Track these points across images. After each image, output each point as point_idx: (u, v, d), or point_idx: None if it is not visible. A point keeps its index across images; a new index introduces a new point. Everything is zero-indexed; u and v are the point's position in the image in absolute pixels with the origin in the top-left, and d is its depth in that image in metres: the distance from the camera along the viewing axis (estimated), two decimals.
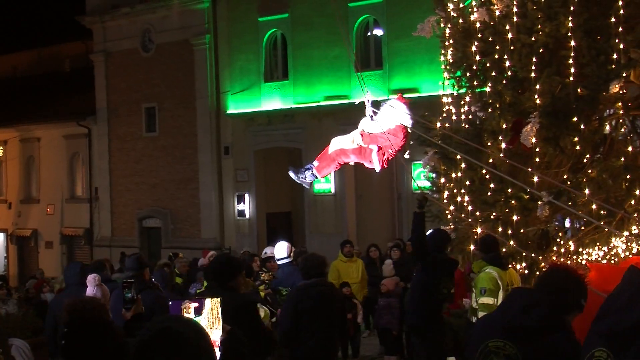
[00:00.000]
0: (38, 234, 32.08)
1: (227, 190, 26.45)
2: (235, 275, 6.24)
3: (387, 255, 15.22)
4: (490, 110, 9.03)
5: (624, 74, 8.12)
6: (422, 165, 10.24)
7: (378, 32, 23.11)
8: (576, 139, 8.40)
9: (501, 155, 8.49)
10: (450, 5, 9.68)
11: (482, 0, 9.13)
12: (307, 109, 23.96)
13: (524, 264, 8.76)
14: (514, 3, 8.63)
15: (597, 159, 8.59)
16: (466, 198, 9.05)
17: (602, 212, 8.19)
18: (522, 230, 8.65)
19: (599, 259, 8.85)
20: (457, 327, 9.35)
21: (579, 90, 8.30)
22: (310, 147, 23.05)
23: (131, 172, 28.70)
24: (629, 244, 8.79)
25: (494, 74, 8.95)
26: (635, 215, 8.53)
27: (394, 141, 8.39)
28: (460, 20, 9.57)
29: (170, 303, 5.24)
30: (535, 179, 8.14)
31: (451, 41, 9.67)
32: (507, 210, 8.64)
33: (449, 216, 9.50)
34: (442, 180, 9.80)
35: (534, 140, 8.19)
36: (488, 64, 9.05)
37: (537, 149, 8.39)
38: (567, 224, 8.71)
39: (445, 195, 9.58)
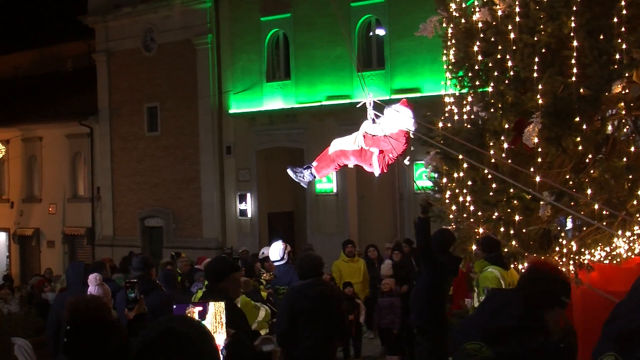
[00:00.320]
0: (40, 233, 32.11)
1: (229, 190, 26.46)
2: (224, 277, 6.15)
3: (385, 255, 15.23)
4: (492, 110, 9.02)
5: (627, 74, 8.10)
6: (424, 165, 10.23)
7: (380, 32, 23.10)
8: (578, 139, 8.39)
9: (503, 155, 8.48)
10: (453, 5, 9.66)
11: (484, 0, 9.12)
12: (309, 108, 23.97)
13: (525, 264, 8.75)
14: (516, 3, 8.62)
15: (599, 159, 8.57)
16: (468, 198, 9.03)
17: (604, 212, 8.18)
18: (523, 230, 8.64)
19: (601, 259, 8.85)
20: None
21: (581, 90, 8.29)
22: (312, 147, 23.05)
23: (133, 172, 28.72)
24: (631, 244, 8.79)
25: (496, 74, 8.93)
26: (638, 215, 8.53)
27: (395, 145, 8.36)
28: (463, 20, 9.55)
29: (174, 307, 5.25)
30: (537, 179, 8.13)
31: (453, 41, 9.65)
32: (509, 210, 8.63)
33: (451, 216, 9.50)
34: (444, 180, 9.79)
35: (536, 140, 8.17)
36: (490, 64, 9.03)
37: (539, 149, 8.37)
38: (569, 224, 8.70)
39: (447, 195, 9.57)
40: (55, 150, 31.36)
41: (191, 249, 22.64)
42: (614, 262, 8.78)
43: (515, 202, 8.57)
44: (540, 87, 8.39)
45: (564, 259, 8.64)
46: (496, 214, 8.78)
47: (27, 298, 15.85)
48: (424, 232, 8.90)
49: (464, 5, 9.65)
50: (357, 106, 8.83)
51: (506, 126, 8.60)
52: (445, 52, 9.87)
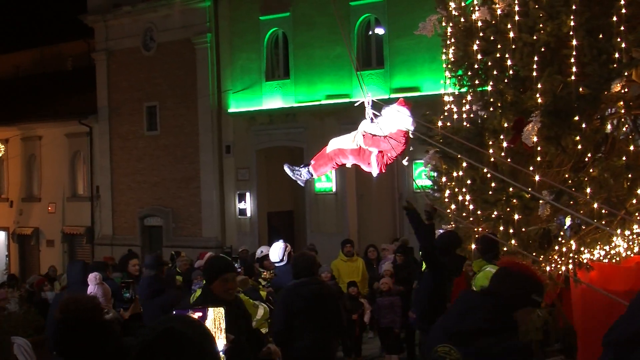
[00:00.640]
0: (39, 232, 32.11)
1: (229, 189, 26.45)
2: (214, 277, 6.11)
3: (384, 256, 15.21)
4: (491, 109, 9.02)
5: (626, 73, 8.11)
6: (423, 164, 10.23)
7: (379, 31, 23.09)
8: (577, 138, 8.39)
9: (502, 154, 8.49)
10: (452, 4, 9.67)
11: None
12: (308, 108, 23.97)
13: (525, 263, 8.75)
14: (516, 2, 8.62)
15: (598, 158, 8.58)
16: (467, 197, 9.04)
17: (603, 211, 8.19)
18: (523, 229, 8.65)
19: (601, 258, 8.85)
20: None
21: (580, 89, 8.29)
22: (311, 146, 23.03)
23: (132, 171, 28.72)
24: (630, 243, 8.80)
25: (495, 72, 8.94)
26: (637, 214, 8.53)
27: (394, 145, 8.32)
28: (462, 19, 9.55)
29: (174, 312, 5.26)
30: (537, 178, 8.14)
31: (452, 40, 9.65)
32: (508, 209, 8.64)
33: (450, 215, 9.50)
34: (443, 179, 9.79)
35: (535, 139, 8.18)
36: (489, 63, 9.04)
37: (539, 148, 8.38)
38: (568, 222, 8.70)
39: (446, 194, 9.58)
40: (55, 150, 31.35)
41: (191, 248, 22.61)
42: (613, 261, 8.79)
43: (514, 201, 8.57)
44: (539, 86, 8.40)
45: (563, 258, 8.65)
46: (495, 213, 8.79)
47: (26, 297, 15.85)
48: (429, 236, 8.91)
49: (463, 4, 9.65)
50: (355, 104, 8.81)
51: (505, 125, 8.60)
52: (444, 51, 9.87)
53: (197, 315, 4.90)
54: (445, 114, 9.97)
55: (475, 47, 9.10)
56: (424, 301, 9.11)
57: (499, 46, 8.87)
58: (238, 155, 26.23)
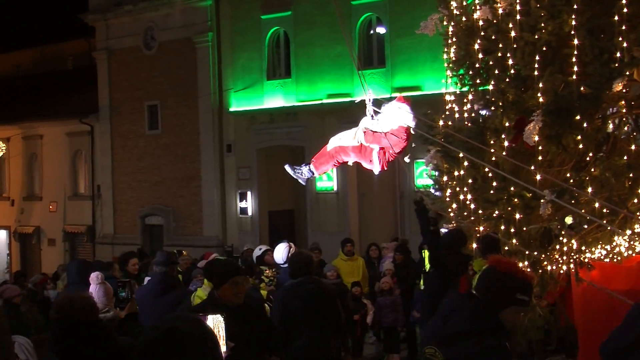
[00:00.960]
0: (41, 231, 32.11)
1: (230, 188, 26.46)
2: (223, 281, 6.04)
3: (384, 255, 15.21)
4: (493, 108, 9.01)
5: (627, 73, 8.10)
6: (425, 163, 10.21)
7: (381, 30, 23.09)
8: (579, 137, 8.38)
9: (504, 153, 8.48)
10: (453, 3, 9.65)
11: None
12: (309, 107, 23.97)
13: (526, 262, 8.75)
14: (517, 1, 8.61)
15: (600, 158, 8.57)
16: (469, 196, 9.03)
17: (604, 210, 8.18)
18: (524, 229, 8.64)
19: (602, 257, 8.85)
20: None
21: (582, 88, 8.28)
22: (312, 145, 23.00)
23: (133, 170, 28.73)
24: (631, 242, 8.79)
25: (496, 72, 8.93)
26: (638, 213, 8.52)
27: (396, 142, 8.30)
28: (464, 18, 9.54)
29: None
30: (538, 177, 8.13)
31: (454, 39, 9.64)
32: (509, 208, 8.63)
33: (452, 214, 9.49)
34: (445, 178, 9.78)
35: (536, 138, 8.17)
36: (491, 62, 9.03)
37: (540, 147, 8.37)
38: (570, 221, 8.69)
39: (447, 194, 9.57)
40: (56, 148, 31.36)
41: (192, 247, 22.61)
42: (615, 260, 8.78)
43: (515, 200, 8.57)
44: (540, 85, 8.39)
45: (564, 257, 8.64)
46: (497, 212, 8.78)
47: (28, 296, 15.83)
48: (435, 241, 8.92)
49: (464, 3, 9.63)
50: (356, 102, 8.80)
51: (507, 124, 8.59)
52: (446, 50, 9.86)
53: None
54: (447, 113, 9.95)
55: (476, 46, 9.09)
56: (429, 301, 9.09)
57: (500, 45, 8.86)
58: (239, 154, 26.23)
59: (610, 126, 8.71)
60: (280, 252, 10.10)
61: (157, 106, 27.98)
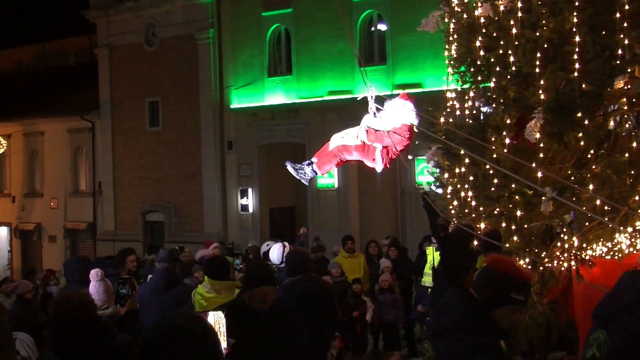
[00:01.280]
0: (42, 228, 32.12)
1: (231, 185, 26.46)
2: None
3: (384, 252, 15.21)
4: (494, 105, 9.02)
5: (629, 70, 8.11)
6: (426, 161, 10.21)
7: (382, 27, 23.06)
8: (580, 134, 8.39)
9: (505, 150, 8.48)
10: (455, 0, 9.66)
11: None
12: (310, 103, 23.95)
13: (527, 260, 8.75)
14: None
15: (601, 155, 8.57)
16: (470, 193, 9.04)
17: (606, 207, 8.18)
18: (525, 226, 8.64)
19: (603, 254, 8.85)
20: None
21: (583, 85, 8.29)
22: (313, 142, 23.02)
23: (135, 167, 28.73)
24: (633, 239, 8.79)
25: (498, 69, 8.93)
26: None
27: (399, 139, 8.22)
28: (465, 15, 9.55)
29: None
30: (539, 174, 8.13)
31: (455, 36, 9.65)
32: (510, 205, 8.63)
33: (453, 211, 9.50)
34: (446, 175, 9.79)
35: (538, 135, 8.18)
36: (492, 59, 9.03)
37: (541, 145, 8.38)
38: (571, 218, 8.69)
39: (448, 191, 9.57)
40: (57, 145, 31.36)
41: (193, 243, 22.60)
42: (616, 257, 8.78)
43: (517, 197, 8.57)
44: (542, 82, 8.39)
45: (565, 255, 8.64)
46: (498, 209, 8.79)
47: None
48: (447, 248, 8.94)
49: (465, 1, 9.64)
50: (358, 99, 8.72)
51: (508, 121, 8.60)
52: (447, 47, 9.86)
53: None
54: (448, 110, 9.96)
55: (477, 44, 9.09)
56: (437, 298, 9.09)
57: (501, 42, 8.86)
58: (240, 151, 26.22)
59: (612, 123, 8.71)
60: (275, 253, 10.08)
61: (158, 103, 27.97)
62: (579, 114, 8.31)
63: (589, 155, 8.57)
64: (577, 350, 9.27)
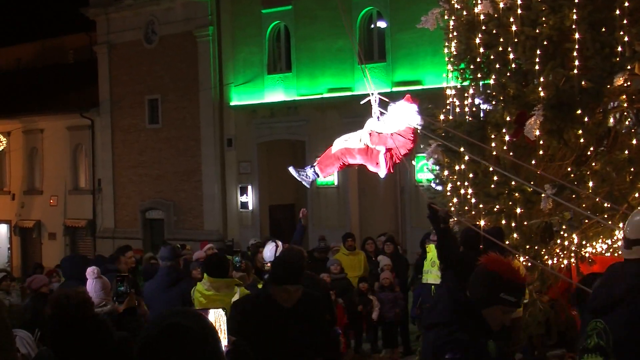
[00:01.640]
0: (41, 225, 32.12)
1: (230, 182, 26.46)
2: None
3: (380, 248, 15.20)
4: (494, 102, 9.01)
5: (629, 67, 8.10)
6: (426, 158, 10.19)
7: (382, 24, 23.06)
8: (580, 131, 8.38)
9: (505, 148, 8.47)
10: None
11: None
12: (310, 101, 23.95)
13: (527, 257, 8.75)
14: None
15: (601, 152, 8.57)
16: (470, 190, 9.02)
17: (605, 205, 8.18)
18: (525, 223, 8.64)
19: (603, 251, 8.85)
20: None
21: (583, 82, 8.28)
22: (313, 139, 23.07)
23: (134, 164, 28.73)
24: None
25: (497, 66, 8.92)
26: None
27: (402, 143, 8.11)
28: (464, 13, 9.52)
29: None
30: (539, 172, 8.13)
31: (455, 33, 9.62)
32: (510, 202, 8.62)
33: (452, 209, 9.48)
34: (446, 172, 9.77)
35: (537, 132, 8.17)
36: (492, 57, 9.02)
37: (541, 142, 8.37)
38: (570, 215, 8.69)
39: (448, 188, 9.56)
40: (57, 142, 31.36)
41: (192, 241, 22.61)
42: (616, 254, 8.78)
43: (516, 194, 8.56)
44: (542, 79, 8.38)
45: (565, 252, 8.64)
46: (497, 206, 8.78)
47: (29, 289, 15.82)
48: (448, 240, 8.86)
49: None
50: (362, 102, 8.61)
51: (508, 119, 8.59)
52: (446, 44, 9.84)
53: None
54: (448, 107, 9.94)
55: (477, 41, 9.08)
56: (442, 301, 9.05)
57: (501, 39, 8.85)
58: (240, 148, 26.22)
59: (612, 120, 8.71)
60: (268, 252, 10.06)
61: (157, 100, 27.97)
62: (579, 111, 8.30)
63: (589, 153, 8.57)
64: (576, 348, 9.26)
